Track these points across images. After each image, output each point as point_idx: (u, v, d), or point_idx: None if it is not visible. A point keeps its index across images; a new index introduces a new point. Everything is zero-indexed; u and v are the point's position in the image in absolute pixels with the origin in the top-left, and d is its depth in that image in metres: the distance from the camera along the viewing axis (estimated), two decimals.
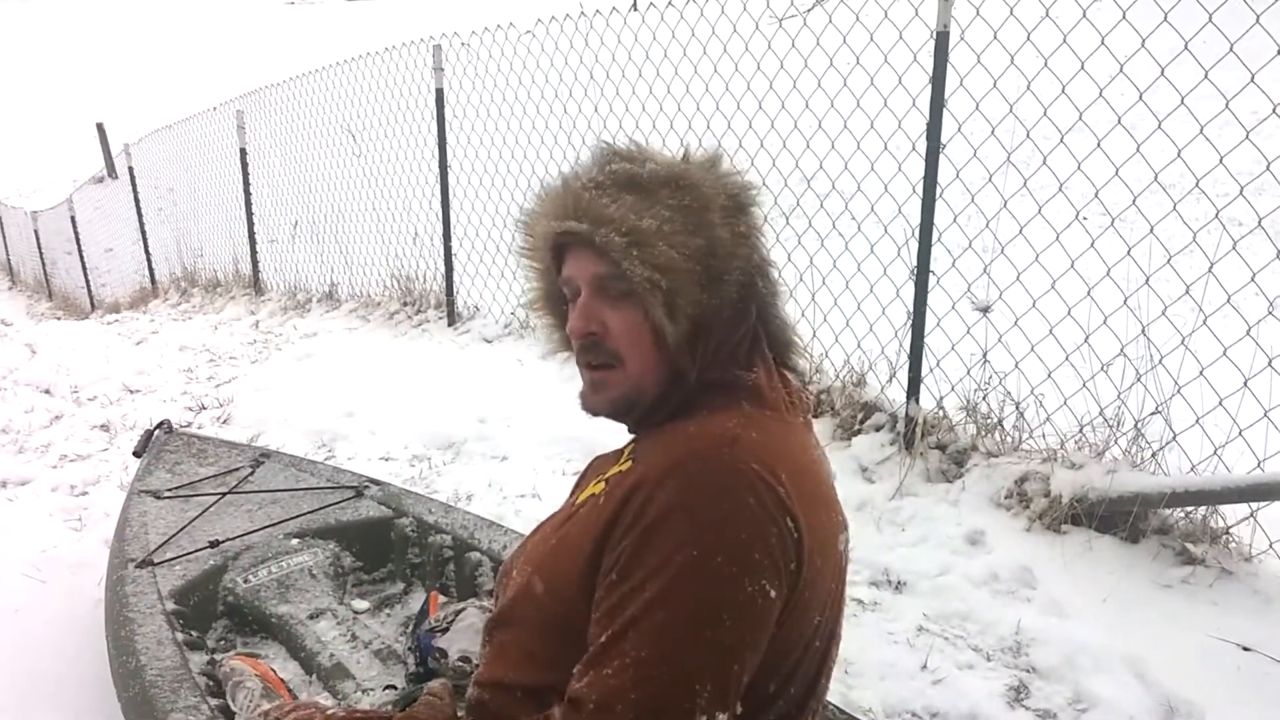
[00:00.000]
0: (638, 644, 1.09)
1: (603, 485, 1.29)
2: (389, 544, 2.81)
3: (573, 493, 1.48)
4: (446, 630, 2.13)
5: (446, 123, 6.31)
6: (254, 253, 9.20)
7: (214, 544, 2.71)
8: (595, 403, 1.35)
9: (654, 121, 5.05)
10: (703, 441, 1.19)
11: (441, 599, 2.35)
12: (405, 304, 6.93)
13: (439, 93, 6.27)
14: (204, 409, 5.49)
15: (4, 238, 17.33)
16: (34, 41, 31.27)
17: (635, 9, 5.52)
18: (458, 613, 2.16)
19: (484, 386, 4.96)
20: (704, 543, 1.11)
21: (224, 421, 5.17)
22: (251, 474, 3.18)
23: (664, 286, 1.23)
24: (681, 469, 1.16)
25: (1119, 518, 2.95)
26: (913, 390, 3.59)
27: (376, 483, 3.06)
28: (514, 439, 4.25)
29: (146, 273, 12.03)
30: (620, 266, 1.25)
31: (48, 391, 6.35)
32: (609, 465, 1.35)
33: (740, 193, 1.32)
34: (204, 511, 2.91)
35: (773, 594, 1.13)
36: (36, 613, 3.05)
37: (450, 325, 6.31)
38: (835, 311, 3.99)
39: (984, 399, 3.50)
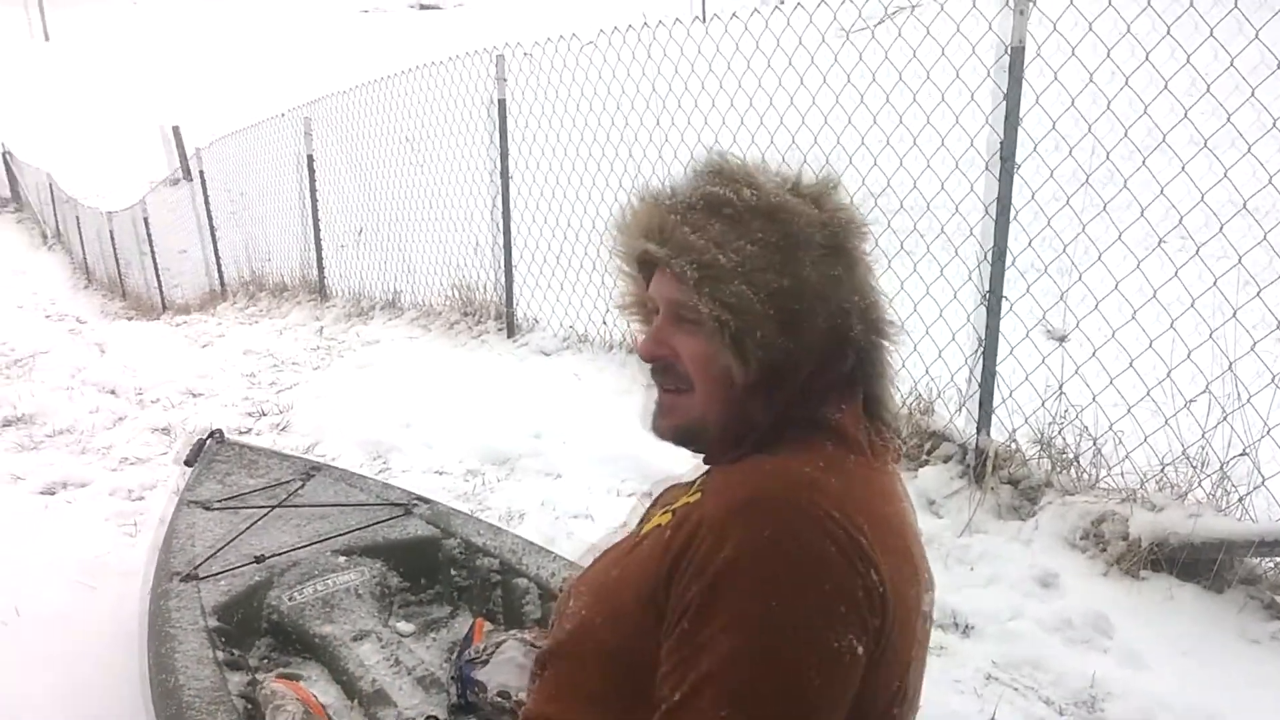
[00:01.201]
0: (717, 702, 1.02)
1: (669, 516, 1.23)
2: (436, 565, 2.75)
3: (640, 521, 1.42)
4: (487, 662, 2.07)
5: (508, 133, 6.29)
6: (320, 258, 9.29)
7: (259, 559, 2.67)
8: (660, 426, 1.30)
9: (716, 135, 4.97)
10: (778, 481, 1.12)
11: (487, 626, 2.28)
12: (465, 314, 6.92)
13: (501, 103, 6.26)
14: (264, 415, 5.52)
15: (81, 237, 17.78)
16: (114, 45, 32.17)
17: (701, 20, 5.44)
18: (498, 645, 2.09)
19: (540, 401, 4.91)
20: (784, 592, 1.03)
21: (282, 429, 5.18)
22: (301, 487, 3.14)
23: (733, 327, 1.17)
24: (753, 509, 1.09)
25: (1202, 565, 2.79)
26: (983, 421, 3.45)
27: (425, 501, 3.01)
28: (569, 456, 4.18)
29: (216, 275, 12.23)
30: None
31: (113, 392, 6.43)
32: (679, 495, 1.30)
33: (841, 231, 1.23)
34: (251, 525, 2.88)
35: (859, 650, 1.05)
36: (84, 621, 3.05)
37: (509, 337, 6.28)
38: (902, 335, 3.86)
39: (1059, 433, 3.35)
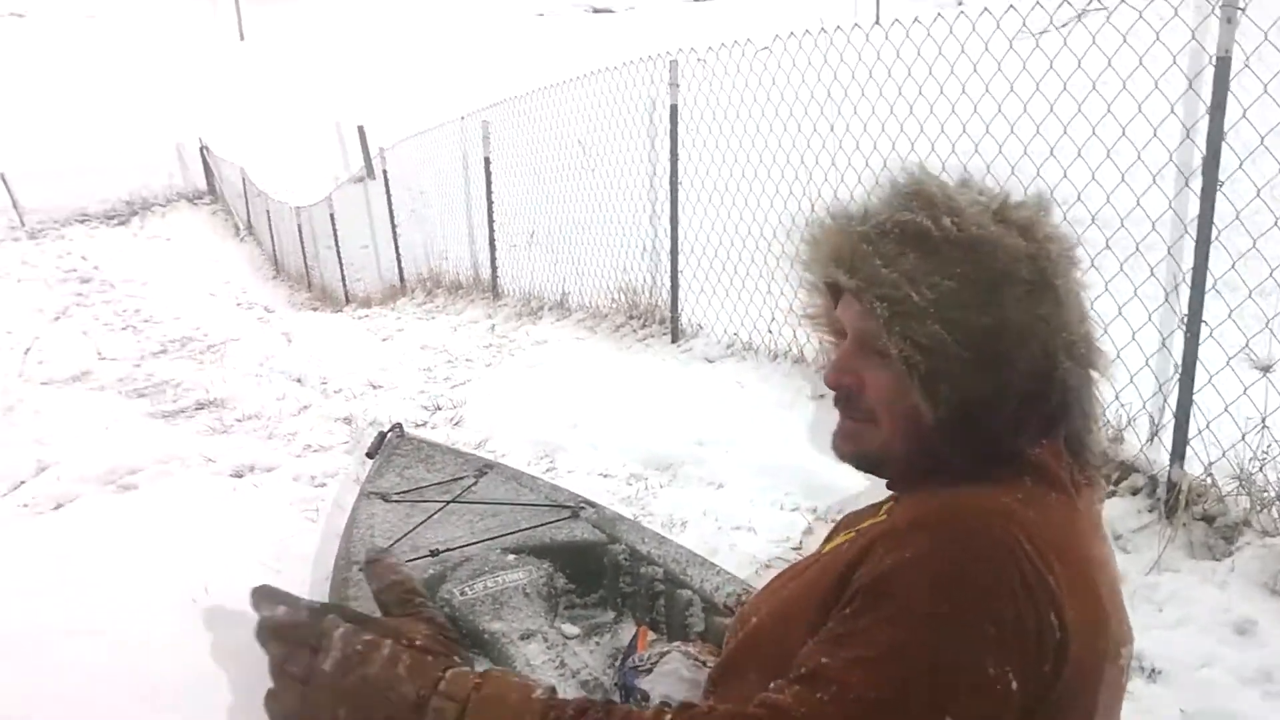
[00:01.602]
0: (866, 684, 0.97)
1: (852, 535, 1.20)
2: (601, 570, 2.78)
3: (822, 543, 1.38)
4: (650, 671, 2.07)
5: (679, 139, 6.32)
6: (493, 258, 9.56)
7: (434, 553, 2.76)
8: (841, 450, 1.26)
9: (894, 143, 4.87)
10: (971, 509, 1.07)
11: (650, 635, 2.28)
12: (631, 317, 6.99)
13: (673, 108, 6.29)
14: (439, 409, 5.71)
15: (271, 230, 18.81)
16: (303, 45, 34.02)
17: (878, 23, 5.34)
18: (662, 655, 2.09)
19: (703, 407, 4.91)
20: (956, 601, 0.98)
21: (456, 423, 5.36)
22: (474, 484, 3.23)
23: (923, 369, 1.11)
24: (941, 525, 1.05)
25: None
26: (1177, 453, 3.25)
27: (592, 504, 3.05)
28: (731, 466, 4.17)
29: (397, 271, 12.72)
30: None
31: (299, 381, 6.79)
32: (863, 518, 1.27)
33: (1050, 265, 1.14)
34: (428, 519, 2.98)
35: (1014, 687, 0.98)
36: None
37: (673, 341, 6.31)
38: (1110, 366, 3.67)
39: (1260, 469, 3.12)
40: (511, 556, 2.75)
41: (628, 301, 7.16)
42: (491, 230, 9.49)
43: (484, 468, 3.38)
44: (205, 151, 23.44)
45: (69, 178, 20.41)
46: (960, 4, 4.58)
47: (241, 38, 36.30)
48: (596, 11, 39.11)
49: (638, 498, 3.99)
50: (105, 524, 4.41)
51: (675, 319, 6.42)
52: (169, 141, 23.28)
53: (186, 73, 30.51)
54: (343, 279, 14.74)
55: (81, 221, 20.72)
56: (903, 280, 1.12)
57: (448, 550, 2.77)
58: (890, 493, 1.30)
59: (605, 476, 4.26)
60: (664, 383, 5.52)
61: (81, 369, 8.47)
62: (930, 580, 1.00)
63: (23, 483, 5.11)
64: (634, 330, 6.80)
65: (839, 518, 1.47)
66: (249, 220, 20.92)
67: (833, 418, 1.26)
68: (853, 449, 1.24)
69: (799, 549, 3.39)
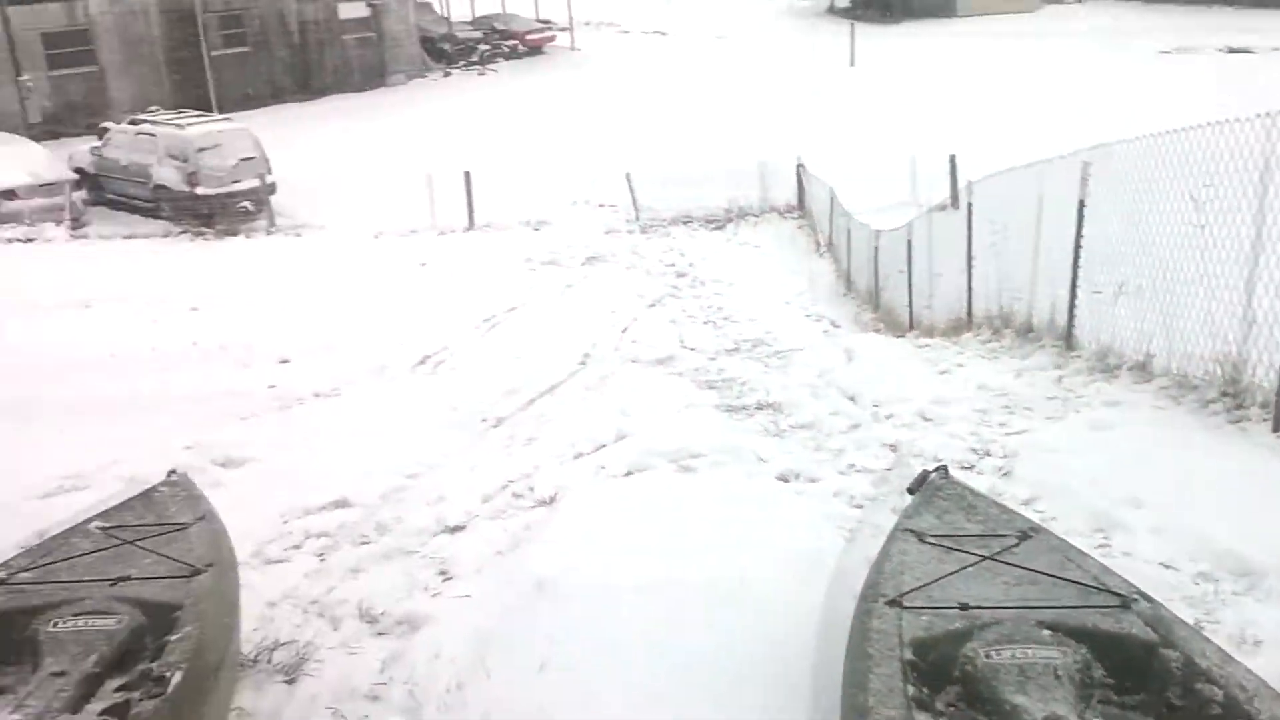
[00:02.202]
0: None
1: None
2: (1147, 672, 2.51)
3: None
4: None
5: None
6: (1072, 306, 8.98)
7: (963, 607, 2.69)
8: None
9: None
10: None
11: None
12: (1225, 394, 6.15)
13: None
14: (988, 455, 5.50)
15: (849, 249, 19.37)
16: (907, 72, 34.75)
17: None
18: None
19: None
20: None
21: (1004, 474, 5.12)
22: (1016, 545, 3.08)
23: None
24: None
25: None
26: None
27: (1147, 598, 2.75)
28: None
29: (965, 304, 12.46)
30: None
31: (852, 399, 6.95)
32: None
33: None
34: (960, 569, 2.90)
35: None
36: (797, 606, 3.33)
37: (1275, 430, 5.45)
38: None
39: None
40: (1047, 633, 2.59)
41: (1224, 376, 6.30)
42: (1075, 276, 8.91)
43: (1029, 530, 3.20)
44: (801, 169, 24.86)
45: (679, 182, 22.76)
46: None
47: (852, 63, 38.00)
48: (1233, 51, 35.07)
49: (1204, 600, 3.51)
50: (666, 497, 4.91)
51: None
52: (770, 156, 24.95)
53: (798, 92, 32.71)
54: (909, 305, 14.76)
55: (685, 223, 23.02)
56: None
57: (978, 608, 2.69)
58: None
59: (1167, 568, 3.80)
60: (1257, 473, 4.79)
61: (666, 354, 9.43)
62: None
63: (603, 446, 5.84)
64: (1227, 409, 5.97)
65: None
66: (830, 237, 21.78)
67: None
68: None
69: None
